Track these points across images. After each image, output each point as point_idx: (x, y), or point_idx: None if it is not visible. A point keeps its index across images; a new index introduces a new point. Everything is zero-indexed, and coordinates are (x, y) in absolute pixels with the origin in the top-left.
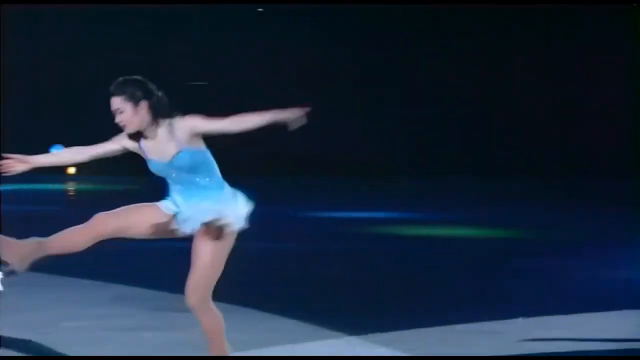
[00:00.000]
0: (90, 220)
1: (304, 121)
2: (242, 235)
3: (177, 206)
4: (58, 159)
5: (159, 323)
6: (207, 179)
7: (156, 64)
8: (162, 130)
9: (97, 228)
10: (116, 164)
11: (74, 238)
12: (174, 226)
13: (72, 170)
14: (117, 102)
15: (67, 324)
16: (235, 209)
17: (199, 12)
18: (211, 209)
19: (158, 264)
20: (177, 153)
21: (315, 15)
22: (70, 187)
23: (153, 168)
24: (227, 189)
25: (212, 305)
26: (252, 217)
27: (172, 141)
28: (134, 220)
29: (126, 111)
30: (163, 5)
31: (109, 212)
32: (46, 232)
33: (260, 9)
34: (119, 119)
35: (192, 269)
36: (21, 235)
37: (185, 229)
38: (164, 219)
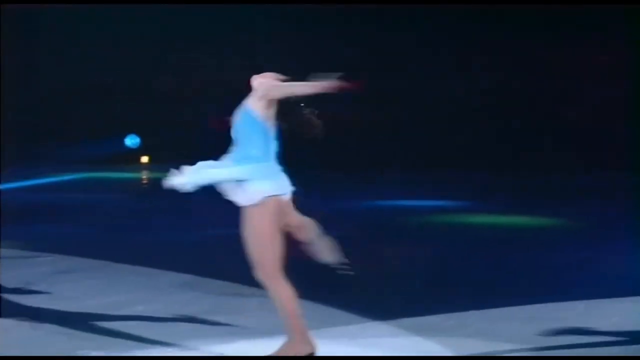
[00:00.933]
0: None
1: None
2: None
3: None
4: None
5: (228, 308)
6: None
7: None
8: None
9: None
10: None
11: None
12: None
13: (145, 160)
14: None
15: (142, 307)
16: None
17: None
18: None
19: (219, 253)
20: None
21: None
22: (144, 175)
23: None
24: None
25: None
26: (308, 208)
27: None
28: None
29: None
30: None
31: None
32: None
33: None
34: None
35: None
36: (84, 220)
37: None
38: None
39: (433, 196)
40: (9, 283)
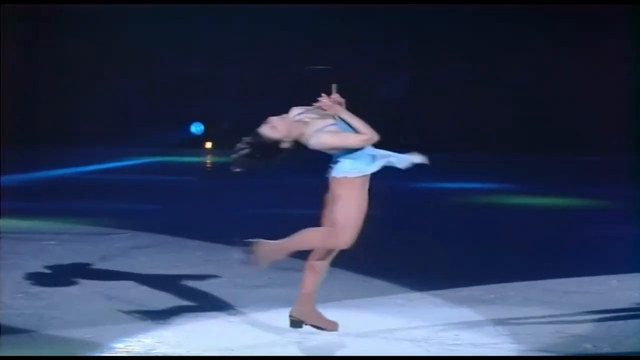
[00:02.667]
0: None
1: None
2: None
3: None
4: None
5: (284, 281)
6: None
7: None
8: None
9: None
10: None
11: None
12: None
13: (209, 145)
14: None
15: (209, 280)
16: None
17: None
18: None
19: (282, 230)
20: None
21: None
22: (208, 159)
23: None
24: None
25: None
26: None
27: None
28: None
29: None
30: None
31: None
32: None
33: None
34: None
35: None
36: (156, 199)
37: None
38: None
39: (477, 178)
40: (88, 258)
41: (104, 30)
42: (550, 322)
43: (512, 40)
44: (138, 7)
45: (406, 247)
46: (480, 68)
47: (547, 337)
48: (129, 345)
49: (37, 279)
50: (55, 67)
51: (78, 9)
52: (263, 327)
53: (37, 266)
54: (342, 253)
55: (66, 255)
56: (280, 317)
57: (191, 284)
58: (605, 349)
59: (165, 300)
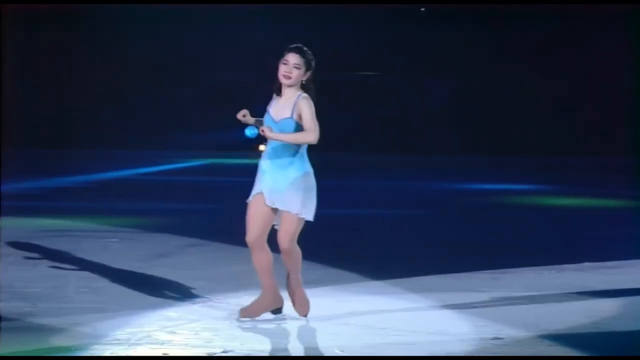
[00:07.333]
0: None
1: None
2: (398, 204)
3: (263, 174)
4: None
5: (334, 278)
6: (293, 154)
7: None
8: (291, 96)
9: (255, 246)
10: None
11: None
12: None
13: (262, 148)
14: (297, 59)
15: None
16: (278, 196)
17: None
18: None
19: (327, 231)
20: (287, 118)
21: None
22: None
23: (265, 121)
24: (304, 177)
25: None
26: (404, 191)
27: (290, 107)
28: (260, 222)
29: (300, 69)
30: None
31: (248, 230)
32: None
33: (422, 9)
34: (289, 70)
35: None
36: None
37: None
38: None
39: (516, 180)
40: (146, 255)
41: (165, 39)
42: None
43: (550, 42)
44: (198, 15)
45: (446, 245)
46: (520, 69)
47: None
48: (188, 339)
49: (100, 274)
50: (112, 74)
51: (139, 17)
52: (315, 321)
53: (100, 262)
54: (394, 251)
55: (126, 252)
56: (330, 312)
57: (243, 280)
58: None
59: (218, 295)
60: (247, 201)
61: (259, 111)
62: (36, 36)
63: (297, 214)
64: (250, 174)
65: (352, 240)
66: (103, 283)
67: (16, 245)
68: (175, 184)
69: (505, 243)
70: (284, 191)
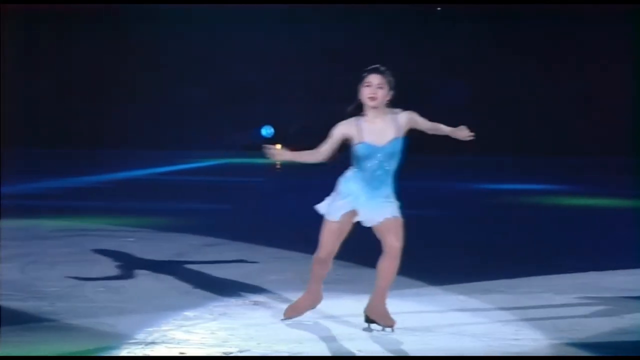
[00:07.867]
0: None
1: (467, 139)
2: (422, 204)
3: (352, 195)
4: (300, 158)
5: (351, 277)
6: (393, 168)
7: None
8: (386, 118)
9: (325, 261)
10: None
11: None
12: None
13: (278, 147)
14: (379, 79)
15: (274, 276)
16: (377, 211)
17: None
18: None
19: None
20: (394, 139)
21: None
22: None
23: (363, 151)
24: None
25: None
26: (428, 190)
27: (393, 128)
28: (337, 242)
29: (384, 89)
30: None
31: (321, 247)
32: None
33: (438, 8)
34: (373, 92)
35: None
36: (227, 199)
37: (367, 224)
38: (349, 223)
39: (530, 180)
40: (164, 254)
41: (189, 39)
42: (605, 315)
43: (569, 43)
44: (214, 15)
45: (463, 245)
46: (537, 69)
47: (596, 330)
48: (204, 339)
49: (118, 274)
50: (112, 74)
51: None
52: (333, 321)
53: (118, 262)
54: (411, 252)
55: (144, 251)
56: (348, 311)
57: (259, 280)
58: None
59: (235, 295)
60: (330, 219)
61: (265, 111)
62: (36, 36)
63: (395, 216)
64: (265, 173)
65: (368, 240)
66: (120, 283)
67: (34, 245)
68: (192, 183)
69: (521, 244)
70: (378, 207)
